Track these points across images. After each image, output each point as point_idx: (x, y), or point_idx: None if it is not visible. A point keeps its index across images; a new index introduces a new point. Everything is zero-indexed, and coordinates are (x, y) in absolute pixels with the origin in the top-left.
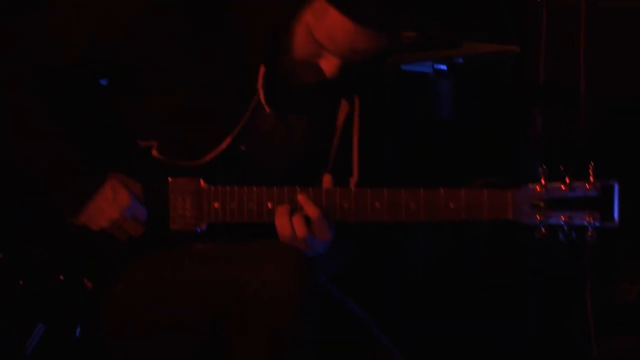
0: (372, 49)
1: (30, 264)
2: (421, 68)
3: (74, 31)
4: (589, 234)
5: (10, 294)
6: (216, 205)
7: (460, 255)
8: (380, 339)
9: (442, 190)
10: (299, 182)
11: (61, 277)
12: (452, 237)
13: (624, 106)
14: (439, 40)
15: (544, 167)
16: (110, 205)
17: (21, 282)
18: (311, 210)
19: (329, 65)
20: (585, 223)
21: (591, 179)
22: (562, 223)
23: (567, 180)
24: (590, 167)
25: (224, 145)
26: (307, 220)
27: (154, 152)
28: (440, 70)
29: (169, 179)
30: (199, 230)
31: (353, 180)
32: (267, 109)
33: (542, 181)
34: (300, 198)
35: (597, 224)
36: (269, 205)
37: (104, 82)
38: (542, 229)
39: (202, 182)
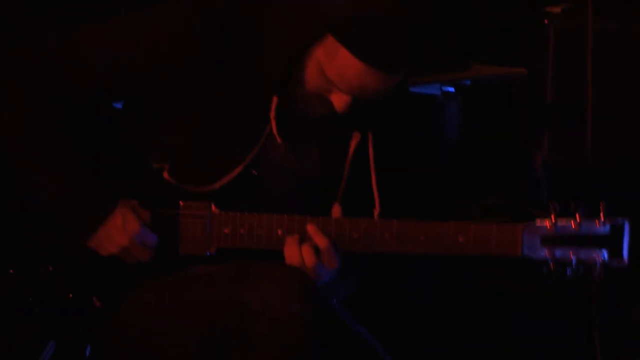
0: (382, 89)
1: (40, 282)
2: (429, 90)
3: (93, 61)
4: (597, 271)
5: (20, 310)
6: (226, 230)
7: (466, 279)
8: None
9: (452, 223)
10: (309, 209)
11: (70, 295)
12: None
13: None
14: (447, 63)
15: (554, 202)
16: (120, 232)
17: (30, 299)
18: (320, 240)
19: (339, 101)
20: (594, 260)
21: (601, 216)
22: (571, 259)
23: (578, 217)
24: (601, 205)
25: (235, 173)
26: (316, 250)
27: (165, 175)
28: (448, 93)
29: (180, 202)
30: (208, 254)
31: (376, 211)
32: (279, 139)
33: (552, 217)
34: (310, 228)
35: (606, 261)
36: (279, 232)
37: (118, 105)
38: (551, 264)
39: (213, 206)
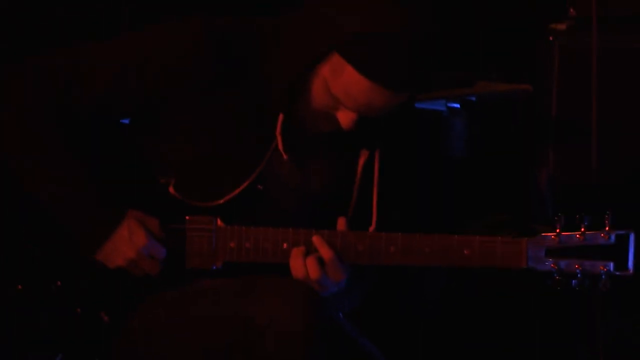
0: (388, 106)
1: (49, 297)
2: (435, 106)
3: (100, 76)
4: (603, 282)
5: (29, 325)
6: (232, 244)
7: (470, 290)
8: None
9: (456, 236)
10: (314, 225)
11: (78, 310)
12: (462, 273)
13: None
14: (452, 79)
15: (560, 215)
16: (127, 245)
17: (39, 314)
18: (325, 252)
19: (345, 118)
20: (599, 272)
21: (607, 228)
22: (576, 271)
23: (583, 229)
24: (607, 216)
25: (241, 188)
26: (321, 262)
27: (171, 189)
28: (454, 109)
29: (187, 217)
30: (214, 268)
31: (371, 228)
32: (285, 156)
33: (557, 230)
34: (315, 240)
35: (611, 273)
36: (284, 245)
37: (126, 120)
38: (556, 276)
39: (219, 221)
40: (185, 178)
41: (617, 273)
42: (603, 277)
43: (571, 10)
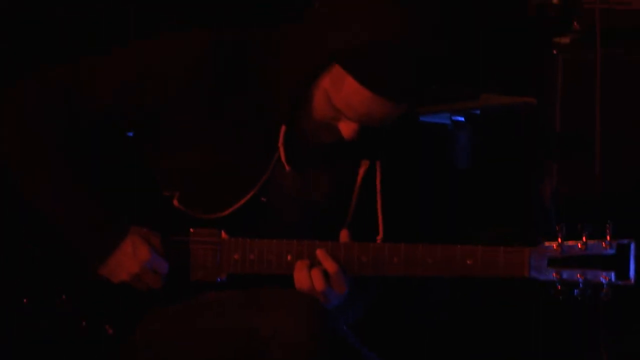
0: (389, 116)
1: (54, 311)
2: (439, 119)
3: (103, 88)
4: (604, 291)
5: (34, 339)
6: (236, 256)
7: (474, 300)
8: None
9: (459, 246)
10: (318, 236)
11: (84, 324)
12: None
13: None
14: (456, 93)
15: (561, 225)
16: (131, 260)
17: (44, 328)
18: (329, 265)
19: (347, 129)
20: (601, 281)
21: (608, 237)
22: (578, 280)
23: (584, 239)
24: (608, 226)
25: (244, 200)
26: (325, 274)
27: (175, 202)
28: (458, 122)
29: (191, 229)
30: (218, 280)
31: (379, 237)
32: (287, 167)
33: (559, 239)
34: (319, 253)
35: (613, 282)
36: (289, 257)
37: (129, 133)
38: (558, 285)
39: (223, 233)
40: (189, 191)
41: (619, 282)
42: (605, 286)
43: (575, 23)
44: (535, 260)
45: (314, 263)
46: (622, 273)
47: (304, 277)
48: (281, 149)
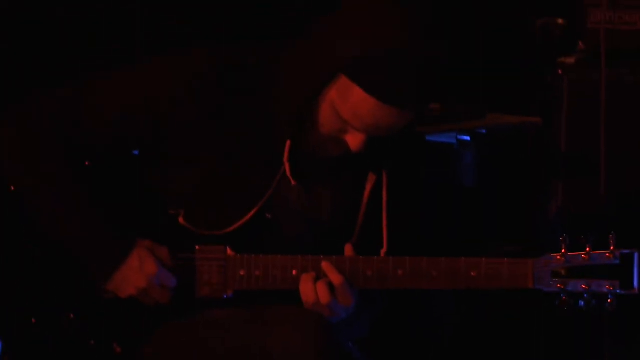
0: (397, 125)
1: (62, 329)
2: (445, 139)
3: (106, 107)
4: (609, 301)
5: (43, 357)
6: (242, 272)
7: (480, 312)
8: None
9: (463, 259)
10: (323, 251)
11: (92, 342)
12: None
13: None
14: (462, 112)
15: (565, 236)
16: (138, 274)
17: (53, 347)
18: (335, 277)
19: (354, 140)
20: (606, 291)
21: (612, 247)
22: (583, 291)
23: (588, 249)
24: (611, 236)
25: (249, 216)
26: (331, 287)
27: (181, 220)
28: (464, 141)
29: (197, 246)
30: (225, 297)
31: (383, 251)
32: (293, 182)
33: (563, 250)
34: (325, 265)
35: (617, 292)
36: (294, 272)
37: (135, 152)
38: (563, 296)
39: (229, 250)
40: (195, 208)
41: (623, 292)
42: (610, 296)
43: (580, 44)
44: (539, 272)
45: (319, 276)
46: (626, 283)
47: (310, 290)
48: (286, 164)
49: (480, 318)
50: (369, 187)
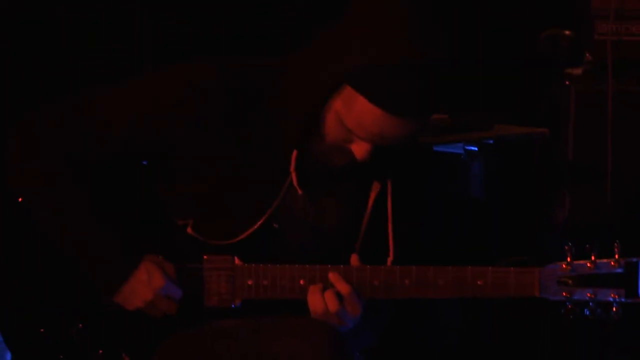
0: (402, 134)
1: (71, 340)
2: (453, 149)
3: (113, 121)
4: (614, 310)
5: None
6: (249, 282)
7: (485, 321)
8: None
9: (470, 268)
10: (329, 260)
11: (100, 352)
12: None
13: None
14: (470, 122)
15: (570, 245)
16: (145, 287)
17: (61, 358)
18: (342, 287)
19: (359, 149)
20: (611, 299)
21: (616, 256)
22: (588, 299)
23: (593, 258)
24: (616, 245)
25: (256, 225)
26: (339, 296)
27: (189, 230)
28: (471, 151)
29: (204, 256)
30: (233, 307)
31: (390, 259)
32: (300, 191)
33: (568, 259)
34: (332, 276)
35: (622, 301)
36: (301, 282)
37: (143, 162)
38: (569, 305)
39: (236, 259)
40: (203, 218)
41: (629, 300)
42: (615, 305)
43: (587, 55)
44: (546, 280)
45: (326, 286)
46: (632, 291)
47: (318, 300)
48: (293, 174)
49: (486, 326)
50: (373, 195)
